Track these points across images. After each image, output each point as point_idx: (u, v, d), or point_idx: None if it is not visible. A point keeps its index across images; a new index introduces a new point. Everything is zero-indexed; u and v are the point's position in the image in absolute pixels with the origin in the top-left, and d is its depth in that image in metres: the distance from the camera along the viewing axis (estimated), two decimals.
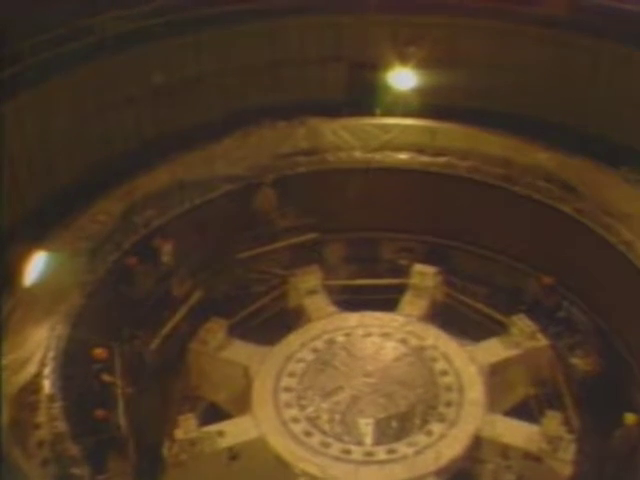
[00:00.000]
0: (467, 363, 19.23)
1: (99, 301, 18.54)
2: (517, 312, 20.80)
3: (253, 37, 22.89)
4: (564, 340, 20.52)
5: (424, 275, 21.46)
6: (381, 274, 23.33)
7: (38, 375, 16.26)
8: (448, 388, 18.66)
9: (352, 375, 18.80)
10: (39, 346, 16.66)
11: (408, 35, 23.00)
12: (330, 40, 23.69)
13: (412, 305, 21.09)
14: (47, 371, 16.38)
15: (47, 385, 16.13)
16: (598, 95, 21.89)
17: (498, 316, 21.22)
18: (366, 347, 19.55)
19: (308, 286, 21.48)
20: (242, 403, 18.99)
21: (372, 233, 23.39)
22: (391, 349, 19.46)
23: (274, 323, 21.76)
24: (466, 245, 22.81)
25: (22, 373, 16.03)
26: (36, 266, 17.22)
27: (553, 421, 17.63)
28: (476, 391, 18.60)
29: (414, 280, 21.54)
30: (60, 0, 21.38)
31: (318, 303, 21.21)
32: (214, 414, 19.92)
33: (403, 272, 22.58)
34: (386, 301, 21.59)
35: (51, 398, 15.85)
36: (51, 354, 16.67)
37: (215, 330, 20.00)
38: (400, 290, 21.93)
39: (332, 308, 21.03)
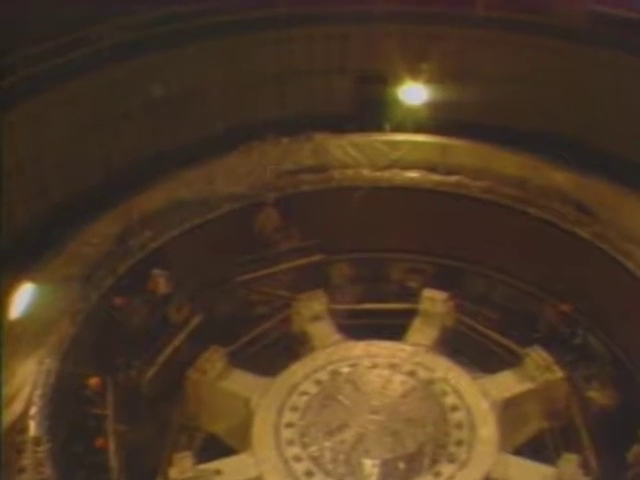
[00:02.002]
0: (479, 398, 18.24)
1: (91, 330, 17.74)
2: (532, 340, 19.92)
3: (257, 48, 22.15)
4: (580, 371, 19.72)
5: (434, 301, 20.53)
6: (389, 296, 22.45)
7: (24, 414, 15.39)
8: (459, 425, 17.68)
9: (358, 411, 17.79)
10: (26, 382, 15.84)
11: (418, 47, 22.01)
12: (337, 51, 22.85)
13: (421, 333, 20.16)
14: (34, 410, 15.50)
15: (33, 426, 15.25)
16: (617, 111, 20.80)
17: (512, 345, 20.17)
18: (373, 380, 18.56)
19: (312, 312, 20.58)
20: (242, 436, 18.03)
21: (380, 254, 22.55)
22: (399, 383, 18.47)
23: (277, 349, 21.00)
24: (478, 268, 21.97)
25: (8, 412, 15.12)
26: (24, 297, 16.22)
27: (569, 464, 16.70)
28: (488, 429, 17.62)
29: (424, 306, 20.60)
30: (54, 8, 20.42)
31: (322, 330, 20.29)
32: (212, 445, 19.12)
33: (412, 295, 21.67)
34: (394, 326, 20.64)
35: (37, 441, 14.97)
36: (38, 392, 15.79)
37: (214, 359, 19.11)
38: (409, 314, 20.94)
39: (337, 336, 20.09)
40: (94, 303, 17.99)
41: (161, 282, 19.39)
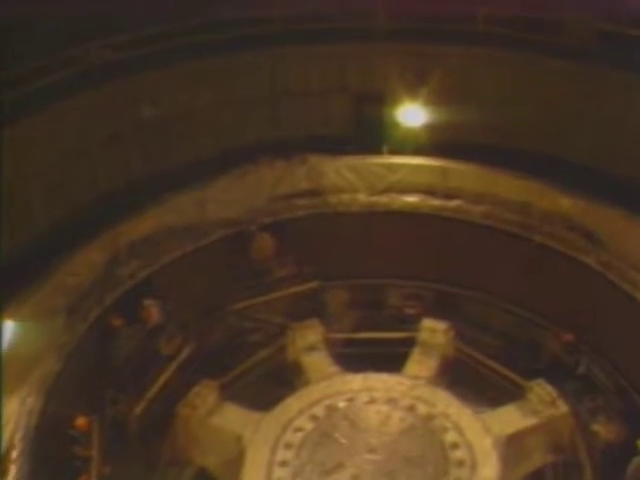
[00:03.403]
0: (481, 434, 17.46)
1: (77, 365, 16.97)
2: (534, 371, 19.20)
3: (251, 67, 21.45)
4: (585, 404, 18.84)
5: (434, 331, 19.85)
6: (387, 323, 21.67)
7: (5, 458, 14.55)
8: (459, 464, 16.89)
9: (354, 450, 17.01)
10: (7, 423, 14.95)
11: (418, 66, 21.44)
12: (334, 71, 22.16)
13: (420, 365, 19.44)
14: (15, 454, 14.66)
15: (14, 471, 14.44)
16: (628, 134, 20.04)
17: (514, 376, 19.46)
18: (370, 417, 17.81)
19: (307, 342, 19.86)
20: (233, 474, 17.18)
21: (377, 280, 21.82)
22: (398, 419, 17.70)
23: (271, 380, 20.20)
24: (479, 294, 21.28)
25: None
26: (5, 331, 15.53)
27: None
28: (490, 467, 16.83)
29: (423, 336, 19.90)
30: (39, 27, 19.78)
31: (318, 362, 19.54)
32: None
33: (411, 323, 21.00)
34: (392, 355, 19.90)
35: None
36: (20, 434, 14.96)
37: (205, 393, 18.34)
38: (407, 343, 20.22)
39: (333, 368, 19.35)
40: (80, 336, 17.24)
41: (151, 312, 18.82)
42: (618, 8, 20.79)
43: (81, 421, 16.13)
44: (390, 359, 19.68)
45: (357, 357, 20.09)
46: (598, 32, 20.55)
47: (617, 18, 20.55)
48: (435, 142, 21.01)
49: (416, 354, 19.81)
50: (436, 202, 20.89)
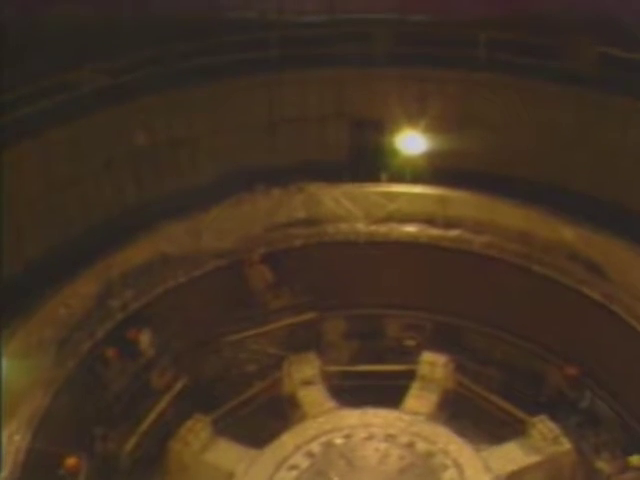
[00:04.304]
0: (481, 472, 17.09)
1: (67, 401, 16.59)
2: (537, 405, 18.99)
3: (246, 92, 21.09)
4: (588, 440, 18.60)
5: (434, 365, 19.45)
6: (386, 355, 21.27)
7: None
8: None
9: None
10: None
11: (418, 92, 21.11)
12: (331, 96, 21.75)
13: (420, 400, 19.05)
14: None
15: None
16: (629, 162, 19.56)
17: (516, 411, 18.91)
18: (368, 454, 17.41)
19: (304, 376, 19.50)
20: None
21: (376, 310, 21.41)
22: (396, 457, 17.29)
23: (266, 414, 19.58)
24: (480, 326, 20.79)
25: None
26: None
27: None
28: None
29: (422, 370, 19.49)
30: (31, 51, 19.42)
31: (314, 396, 19.17)
32: None
33: (410, 354, 20.62)
34: (391, 388, 19.50)
35: None
36: (6, 472, 14.56)
37: (198, 429, 17.95)
38: (406, 376, 19.83)
39: (330, 403, 18.97)
40: (70, 370, 16.87)
41: (143, 345, 18.52)
42: None
43: (70, 461, 15.71)
44: (389, 392, 19.30)
45: (355, 390, 19.71)
46: (599, 57, 20.09)
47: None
48: (435, 170, 20.57)
49: (415, 388, 19.45)
50: (436, 232, 20.53)
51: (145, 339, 18.45)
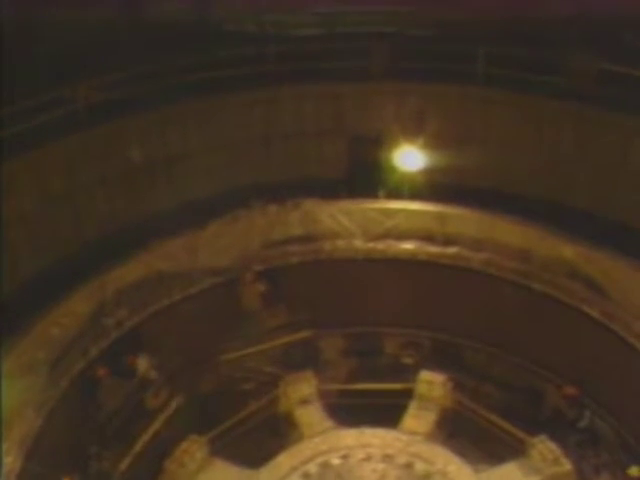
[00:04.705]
0: None
1: (60, 421, 16.39)
2: (536, 424, 18.78)
3: (243, 108, 20.91)
4: (589, 460, 18.35)
5: (432, 384, 19.28)
6: (383, 372, 21.07)
7: None
8: None
9: None
10: None
11: (416, 107, 20.89)
12: (329, 112, 21.52)
13: (418, 419, 18.93)
14: None
15: None
16: (629, 179, 19.33)
17: (515, 430, 18.73)
18: (365, 476, 17.30)
19: (300, 395, 19.43)
20: None
21: (373, 328, 21.24)
22: (394, 478, 17.11)
23: (262, 433, 19.45)
24: (478, 344, 20.64)
25: None
26: None
27: None
28: None
29: (420, 389, 19.29)
30: (26, 67, 19.22)
31: (311, 416, 19.08)
32: None
33: (408, 372, 20.44)
34: (388, 407, 19.29)
35: None
36: None
37: (193, 449, 17.88)
38: (404, 395, 19.69)
39: (327, 422, 18.86)
40: (63, 391, 16.65)
41: (138, 364, 18.31)
42: None
43: None
44: (387, 411, 19.12)
45: (352, 409, 19.48)
46: (599, 73, 19.87)
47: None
48: (433, 186, 20.32)
49: (413, 408, 19.35)
50: (434, 249, 20.34)
51: (143, 364, 18.26)
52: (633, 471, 16.23)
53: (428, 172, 20.54)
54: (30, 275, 18.04)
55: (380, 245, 20.56)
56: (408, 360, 21.06)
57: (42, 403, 16.10)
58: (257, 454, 18.24)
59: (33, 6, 21.62)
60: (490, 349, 20.52)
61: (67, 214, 19.03)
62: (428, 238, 20.47)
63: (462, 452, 18.10)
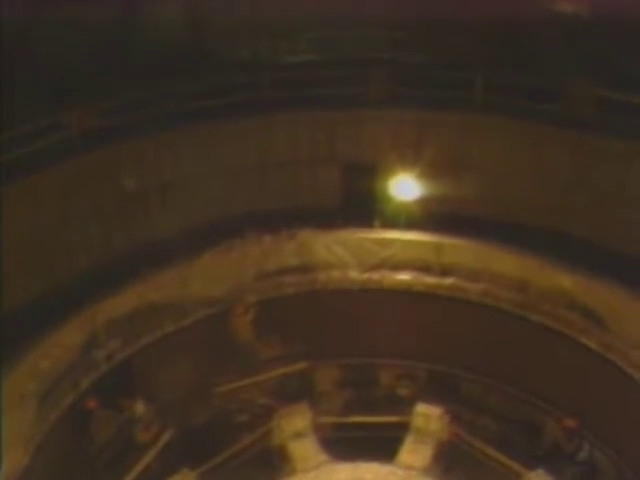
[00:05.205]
0: None
1: (48, 457, 16.03)
2: (534, 457, 18.65)
3: (236, 135, 20.58)
4: None
5: (428, 417, 19.01)
6: (379, 404, 20.91)
7: None
8: None
9: None
10: None
11: (412, 135, 20.62)
12: (323, 139, 21.21)
13: (414, 454, 18.70)
14: None
15: None
16: (629, 208, 19.05)
17: (513, 463, 18.52)
18: None
19: (294, 428, 19.20)
20: None
21: (369, 359, 21.03)
22: None
23: (256, 467, 19.09)
24: (475, 375, 20.42)
25: None
26: None
27: None
28: None
29: (417, 423, 19.06)
30: (19, 92, 19.02)
31: (305, 450, 18.87)
32: None
33: (404, 404, 20.25)
34: (384, 440, 19.14)
35: None
36: None
37: None
38: (400, 428, 19.50)
39: (321, 456, 18.65)
40: (52, 425, 16.38)
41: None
42: None
43: None
44: (382, 444, 18.97)
45: (347, 442, 19.32)
46: (598, 100, 19.65)
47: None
48: (429, 216, 20.11)
49: (409, 442, 19.13)
50: (430, 279, 20.14)
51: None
52: None
53: (425, 201, 20.30)
54: (21, 304, 17.69)
55: (376, 276, 20.37)
56: (404, 392, 20.88)
57: (29, 439, 15.78)
58: None
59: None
60: (487, 380, 20.29)
61: (59, 242, 18.61)
62: (424, 268, 20.26)
63: None
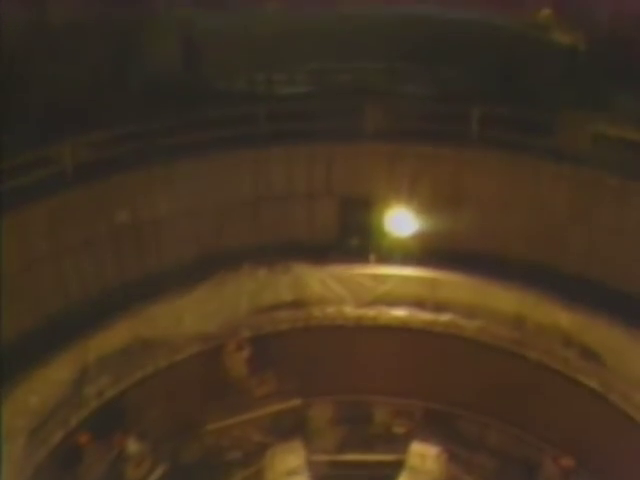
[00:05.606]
0: None
1: None
2: None
3: (232, 168, 20.36)
4: None
5: (424, 457, 18.70)
6: (374, 442, 20.58)
7: None
8: None
9: None
10: None
11: (408, 168, 20.39)
12: (319, 173, 21.00)
13: None
14: None
15: None
16: (626, 244, 18.81)
17: None
18: None
19: (288, 466, 18.89)
20: None
21: (364, 396, 20.80)
22: None
23: None
24: (472, 413, 20.19)
25: None
26: None
27: None
28: None
29: (413, 462, 18.77)
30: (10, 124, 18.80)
31: None
32: None
33: (399, 442, 19.93)
34: (378, 479, 19.11)
35: None
36: None
37: None
38: (395, 466, 19.23)
39: None
40: (40, 462, 16.09)
41: (119, 435, 17.70)
42: None
43: None
44: None
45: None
46: (593, 134, 19.51)
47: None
48: (425, 251, 19.90)
49: None
50: (426, 316, 20.03)
51: (131, 445, 17.73)
52: None
53: (421, 236, 20.12)
54: (11, 338, 17.43)
55: (371, 312, 20.24)
56: (399, 429, 20.61)
57: (20, 473, 15.51)
58: None
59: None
60: (484, 418, 20.08)
61: (51, 276, 18.41)
62: (420, 304, 20.15)
63: None
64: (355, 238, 20.57)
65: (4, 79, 20.00)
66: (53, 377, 17.00)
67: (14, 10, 21.41)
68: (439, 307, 19.91)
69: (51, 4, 22.62)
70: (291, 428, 19.89)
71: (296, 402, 19.88)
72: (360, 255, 20.33)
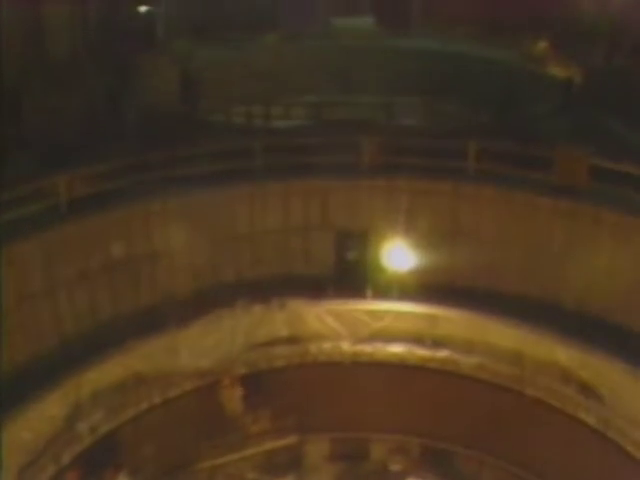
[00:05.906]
0: None
1: None
2: None
3: (228, 203, 20.28)
4: None
5: None
6: (370, 479, 20.74)
7: None
8: None
9: None
10: None
11: (404, 203, 20.26)
12: (315, 207, 20.92)
13: None
14: None
15: None
16: (624, 280, 18.69)
17: None
18: None
19: None
20: None
21: (360, 433, 20.72)
22: None
23: None
24: (469, 450, 20.13)
25: None
26: None
27: None
28: None
29: None
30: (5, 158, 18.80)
31: None
32: None
33: (396, 479, 20.11)
34: None
35: None
36: None
37: None
38: None
39: None
40: None
41: (111, 471, 17.51)
42: None
43: None
44: None
45: None
46: (589, 169, 19.46)
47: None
48: (422, 286, 19.76)
49: None
50: (423, 352, 19.95)
51: (115, 465, 17.56)
52: None
53: (417, 271, 19.97)
54: (3, 373, 17.29)
55: (368, 348, 20.16)
56: (396, 466, 20.53)
57: None
58: None
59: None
60: (481, 455, 19.97)
61: (45, 310, 18.27)
62: (417, 340, 20.07)
63: None
64: (352, 273, 20.34)
65: (2, 112, 20.00)
66: (46, 413, 16.92)
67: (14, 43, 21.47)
68: (436, 343, 19.83)
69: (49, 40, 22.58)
70: (286, 465, 19.88)
71: (292, 439, 19.77)
72: (357, 290, 20.17)
